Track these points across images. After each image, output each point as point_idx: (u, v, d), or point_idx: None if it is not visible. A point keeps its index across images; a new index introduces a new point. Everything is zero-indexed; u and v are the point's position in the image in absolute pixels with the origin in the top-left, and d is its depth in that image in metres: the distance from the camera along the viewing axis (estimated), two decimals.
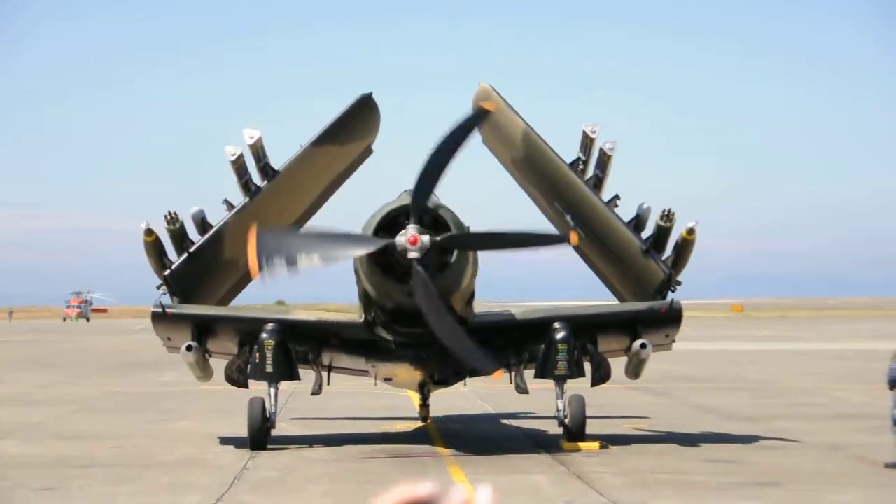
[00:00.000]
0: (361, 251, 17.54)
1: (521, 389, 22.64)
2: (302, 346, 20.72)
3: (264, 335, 19.97)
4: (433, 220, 17.82)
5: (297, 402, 28.50)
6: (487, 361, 18.15)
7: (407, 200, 18.10)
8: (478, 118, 18.18)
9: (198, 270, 21.26)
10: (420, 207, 17.52)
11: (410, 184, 18.82)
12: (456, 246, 17.78)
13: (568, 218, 21.61)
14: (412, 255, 17.40)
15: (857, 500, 14.87)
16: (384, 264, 17.86)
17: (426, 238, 17.44)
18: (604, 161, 21.37)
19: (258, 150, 21.31)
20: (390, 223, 17.90)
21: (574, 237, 18.09)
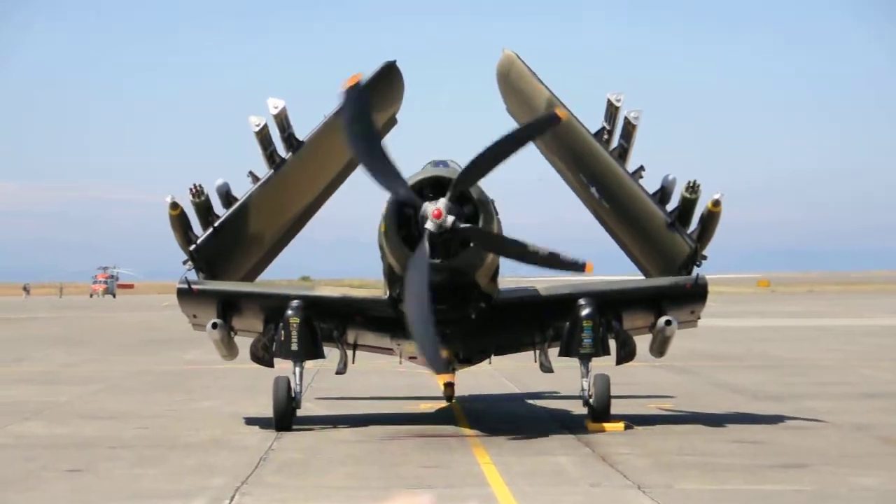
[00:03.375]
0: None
1: (546, 368, 22.60)
2: (327, 323, 20.67)
3: (289, 312, 19.92)
4: (459, 194, 17.79)
5: (322, 381, 28.55)
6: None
7: (432, 173, 18.05)
8: (547, 122, 18.23)
9: (223, 245, 21.17)
10: (462, 187, 17.50)
11: (435, 155, 18.75)
12: (477, 240, 17.67)
13: (593, 190, 21.49)
14: (428, 225, 17.40)
15: (882, 482, 14.79)
16: (408, 239, 17.83)
17: (450, 219, 17.40)
18: (628, 131, 21.15)
19: (282, 121, 21.21)
20: (417, 193, 17.86)
21: (589, 266, 18.04)
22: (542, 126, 18.63)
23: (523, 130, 18.20)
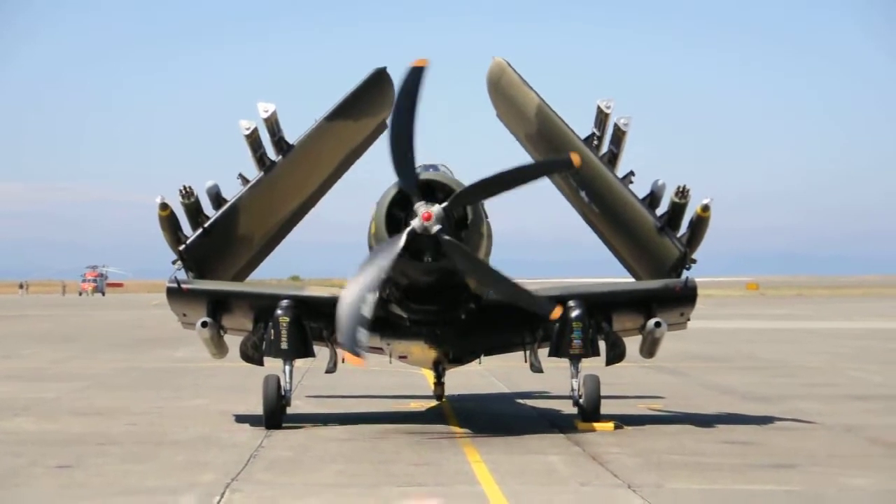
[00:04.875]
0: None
1: (536, 368, 22.60)
2: (317, 322, 20.71)
3: (279, 311, 19.97)
4: (445, 195, 17.89)
5: (311, 379, 28.54)
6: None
7: (424, 176, 18.10)
8: (561, 165, 18.59)
9: (213, 245, 21.23)
10: (461, 203, 17.77)
11: (423, 159, 18.79)
12: (453, 256, 17.76)
13: (583, 194, 21.55)
14: (414, 223, 17.55)
15: (871, 482, 14.83)
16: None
17: (436, 228, 17.55)
18: (618, 136, 21.28)
19: (273, 125, 21.26)
20: (402, 199, 17.95)
21: (557, 312, 18.42)
22: (555, 167, 19.18)
23: (536, 167, 18.87)
